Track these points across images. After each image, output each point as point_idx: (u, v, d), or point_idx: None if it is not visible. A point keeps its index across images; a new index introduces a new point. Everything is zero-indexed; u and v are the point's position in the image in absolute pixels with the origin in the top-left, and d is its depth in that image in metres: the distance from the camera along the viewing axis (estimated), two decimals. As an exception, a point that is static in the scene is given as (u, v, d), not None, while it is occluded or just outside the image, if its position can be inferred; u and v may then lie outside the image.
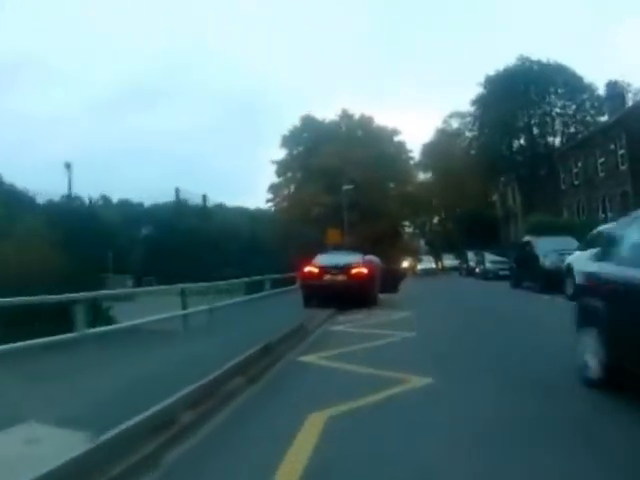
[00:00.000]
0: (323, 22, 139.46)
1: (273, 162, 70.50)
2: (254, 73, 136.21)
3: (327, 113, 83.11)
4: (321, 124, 69.99)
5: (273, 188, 70.73)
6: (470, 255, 49.04)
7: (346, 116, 70.52)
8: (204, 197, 22.68)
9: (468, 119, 70.32)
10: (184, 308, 15.26)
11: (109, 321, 13.29)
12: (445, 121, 75.47)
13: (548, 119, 62.48)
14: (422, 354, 10.53)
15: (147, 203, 50.37)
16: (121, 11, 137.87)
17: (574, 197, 48.52)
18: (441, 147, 72.54)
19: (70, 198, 24.14)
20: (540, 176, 59.04)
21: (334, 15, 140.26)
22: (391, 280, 23.88)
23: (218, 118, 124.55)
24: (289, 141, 70.43)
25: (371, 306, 20.37)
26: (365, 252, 23.87)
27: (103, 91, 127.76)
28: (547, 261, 23.10)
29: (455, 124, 74.13)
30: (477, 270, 42.43)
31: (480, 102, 63.82)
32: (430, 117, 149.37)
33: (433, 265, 72.46)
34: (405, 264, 61.21)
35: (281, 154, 71.19)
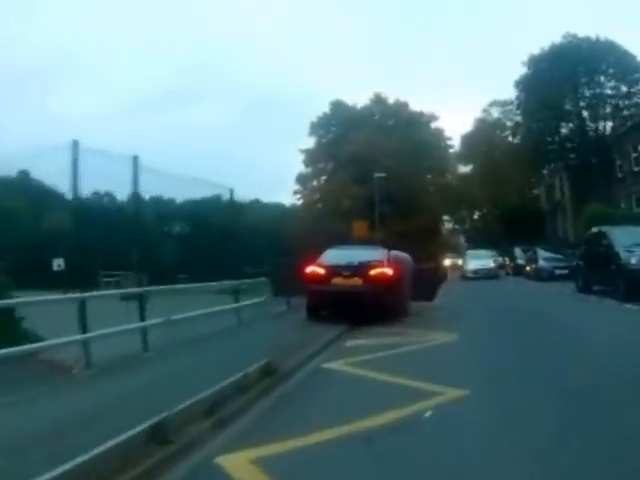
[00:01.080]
0: (354, 6, 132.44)
1: (301, 151, 65.60)
2: (284, 64, 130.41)
3: (359, 98, 77.44)
4: (352, 110, 64.97)
5: (301, 179, 65.70)
6: (517, 252, 43.30)
7: (379, 101, 65.34)
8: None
9: (509, 107, 65.65)
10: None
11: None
12: (485, 110, 71.59)
13: (598, 101, 56.22)
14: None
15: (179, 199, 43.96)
16: (152, 12, 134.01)
17: (634, 186, 42.39)
18: (481, 138, 68.96)
19: (99, 195, 23.96)
20: (591, 164, 53.10)
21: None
22: (426, 284, 18.23)
23: (251, 114, 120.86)
24: (318, 129, 65.43)
25: (399, 320, 15.15)
26: (394, 247, 18.70)
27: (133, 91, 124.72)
28: (633, 258, 17.45)
29: (495, 113, 70.63)
30: (528, 269, 36.76)
31: (524, 84, 57.73)
32: (468, 107, 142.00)
33: (491, 263, 44.32)
34: (447, 262, 48.84)
35: (310, 143, 66.42)
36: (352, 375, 8.76)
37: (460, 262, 49.76)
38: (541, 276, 32.16)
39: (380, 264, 15.42)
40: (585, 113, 57.05)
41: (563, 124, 58.40)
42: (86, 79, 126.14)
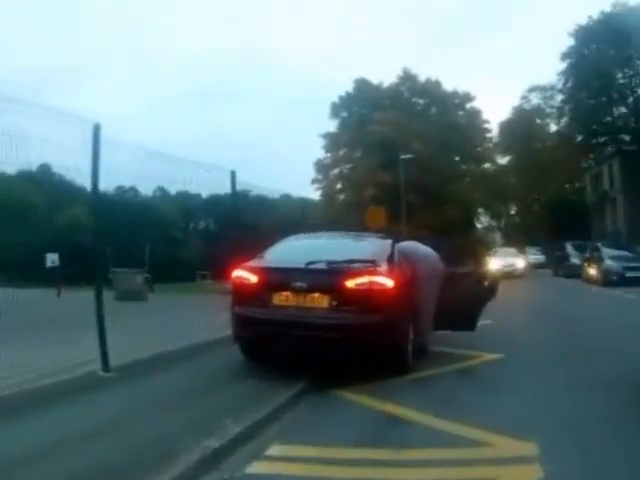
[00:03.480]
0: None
1: (321, 136, 58.70)
2: (310, 54, 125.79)
3: (386, 77, 70.32)
4: (378, 89, 58.02)
5: (321, 167, 58.66)
6: (569, 249, 36.27)
7: (408, 78, 58.08)
8: (232, 174, 15.76)
9: (550, 92, 59.38)
10: None
11: None
12: (524, 97, 64.53)
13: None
14: None
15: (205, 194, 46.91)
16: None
17: None
18: (520, 127, 62.45)
19: (123, 190, 25.27)
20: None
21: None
22: (465, 300, 10.04)
23: (284, 109, 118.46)
24: (339, 110, 58.56)
25: (402, 374, 8.32)
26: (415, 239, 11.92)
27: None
28: None
29: (535, 100, 63.71)
30: (591, 271, 29.10)
31: (570, 56, 50.78)
32: (505, 94, 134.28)
33: (517, 261, 38.96)
34: (496, 264, 29.59)
35: (331, 126, 59.37)
36: None
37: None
38: (608, 279, 25.16)
39: (370, 267, 8.17)
40: (640, 91, 50.05)
41: (615, 103, 51.68)
42: (124, 77, 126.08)
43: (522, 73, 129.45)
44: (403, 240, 10.70)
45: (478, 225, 66.67)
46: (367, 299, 7.84)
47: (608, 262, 26.13)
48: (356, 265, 8.15)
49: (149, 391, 7.28)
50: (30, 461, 4.77)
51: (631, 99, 50.22)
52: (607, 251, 27.33)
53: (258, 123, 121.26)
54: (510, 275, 33.11)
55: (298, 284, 8.00)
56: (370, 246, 9.32)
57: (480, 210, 64.57)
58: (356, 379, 7.92)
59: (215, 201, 39.28)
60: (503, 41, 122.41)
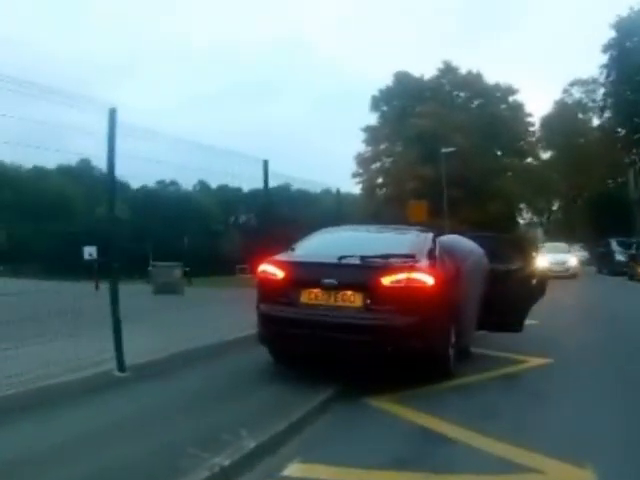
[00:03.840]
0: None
1: (362, 130, 57.95)
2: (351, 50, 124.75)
3: (426, 69, 69.08)
4: (418, 81, 57.02)
5: (361, 161, 57.88)
6: (614, 246, 34.94)
7: (449, 71, 56.99)
8: (265, 163, 15.25)
9: (592, 86, 58.05)
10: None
11: None
12: (565, 91, 63.50)
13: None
14: None
15: (246, 188, 46.77)
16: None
17: None
18: (562, 121, 60.99)
19: (164, 184, 25.81)
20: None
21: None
22: (512, 299, 9.41)
23: (325, 105, 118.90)
24: (380, 103, 57.81)
25: (443, 381, 7.65)
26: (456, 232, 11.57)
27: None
28: None
29: (577, 94, 62.75)
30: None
31: (612, 48, 49.16)
32: (546, 88, 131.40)
33: (569, 259, 33.53)
34: (544, 262, 17.61)
35: (372, 120, 58.66)
36: None
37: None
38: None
39: (409, 262, 7.33)
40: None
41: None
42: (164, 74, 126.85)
43: (565, 67, 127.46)
44: (445, 234, 9.98)
45: (520, 221, 65.42)
46: (405, 298, 7.03)
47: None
48: (393, 260, 7.33)
49: (162, 395, 6.72)
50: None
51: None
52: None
53: (299, 117, 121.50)
54: (561, 275, 28.46)
55: (328, 281, 7.22)
56: (409, 240, 8.43)
57: (522, 206, 63.36)
58: (391, 386, 7.25)
59: (255, 194, 37.84)
60: (545, 35, 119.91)
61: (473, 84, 56.65)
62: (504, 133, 53.95)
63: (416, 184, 47.68)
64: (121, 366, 7.42)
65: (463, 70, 57.09)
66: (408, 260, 7.37)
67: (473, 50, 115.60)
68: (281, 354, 8.19)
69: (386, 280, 7.10)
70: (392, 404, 6.66)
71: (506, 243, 11.21)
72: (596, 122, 59.53)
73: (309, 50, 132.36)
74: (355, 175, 57.61)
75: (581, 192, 64.37)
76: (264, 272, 7.78)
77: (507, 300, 9.22)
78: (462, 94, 58.17)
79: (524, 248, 10.80)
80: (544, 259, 25.07)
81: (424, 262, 7.50)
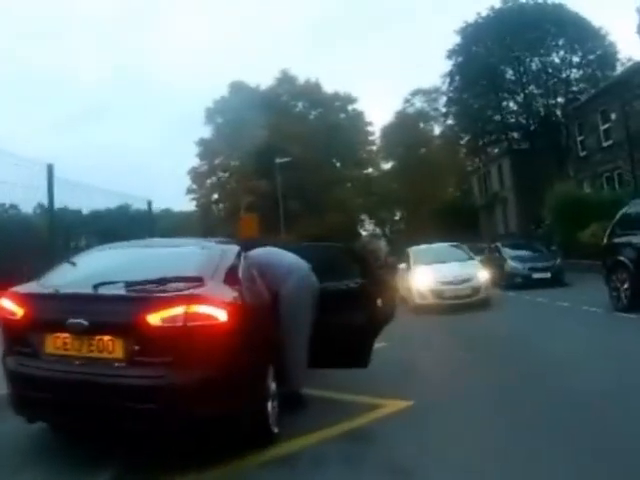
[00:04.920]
0: None
1: (196, 143, 55.20)
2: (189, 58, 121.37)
3: (264, 79, 67.48)
4: (254, 91, 54.77)
5: (195, 174, 54.89)
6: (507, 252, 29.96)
7: (286, 80, 55.40)
8: (149, 203, 15.58)
9: (434, 95, 58.07)
10: None
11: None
12: (407, 100, 62.74)
13: (547, 74, 47.96)
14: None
15: (85, 210, 39.49)
16: None
17: (603, 164, 33.62)
18: (403, 131, 59.63)
19: (3, 208, 21.27)
20: (539, 145, 45.45)
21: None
22: (351, 327, 6.84)
23: (161, 123, 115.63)
24: (215, 115, 55.14)
25: (263, 447, 5.24)
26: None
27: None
28: None
29: (418, 103, 62.04)
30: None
31: (458, 53, 49.34)
32: (387, 100, 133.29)
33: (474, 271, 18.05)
34: (426, 278, 17.67)
35: (206, 132, 56.02)
36: None
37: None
38: (513, 282, 22.36)
39: (190, 290, 4.84)
40: (531, 87, 48.99)
41: (505, 100, 50.68)
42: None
43: (407, 78, 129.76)
44: (258, 246, 7.27)
45: (363, 232, 64.71)
46: (185, 343, 4.65)
47: (512, 263, 23.35)
48: (167, 287, 4.85)
49: None
50: None
51: (522, 95, 48.70)
52: (508, 251, 24.57)
53: (135, 139, 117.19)
54: (462, 302, 16.83)
55: (74, 321, 4.70)
56: (199, 257, 5.83)
57: (363, 217, 62.76)
58: (194, 461, 4.89)
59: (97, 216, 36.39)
60: (387, 45, 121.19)
61: (311, 93, 55.53)
62: (343, 143, 53.10)
63: (252, 198, 45.27)
64: None
65: (301, 79, 55.89)
66: (190, 286, 4.90)
67: (313, 62, 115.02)
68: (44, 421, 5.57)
69: (154, 318, 4.65)
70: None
71: (340, 255, 8.35)
72: (438, 130, 60.13)
73: (143, 74, 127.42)
74: (190, 191, 54.70)
75: (424, 201, 64.50)
76: (2, 310, 5.25)
77: (345, 328, 6.82)
78: (300, 104, 56.86)
79: (364, 260, 8.05)
80: (426, 274, 17.62)
81: (214, 289, 5.10)
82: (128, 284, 4.87)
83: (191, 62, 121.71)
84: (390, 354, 8.90)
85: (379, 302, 7.11)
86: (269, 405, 5.45)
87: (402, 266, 20.04)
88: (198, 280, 4.94)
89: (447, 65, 50.11)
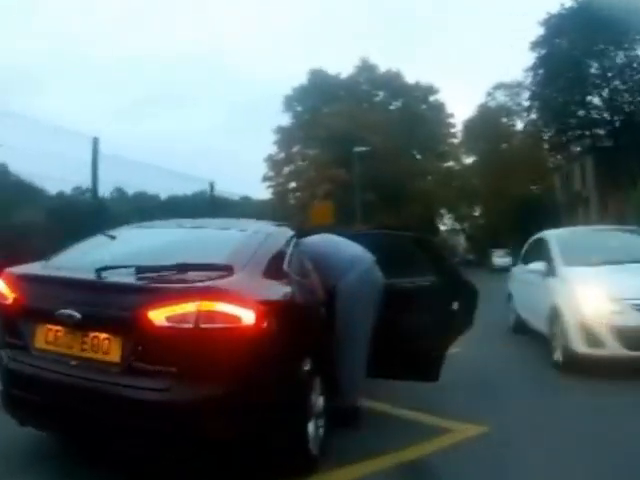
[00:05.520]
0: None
1: (274, 131, 54.35)
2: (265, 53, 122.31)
3: (344, 67, 66.89)
4: (334, 80, 54.06)
5: (272, 162, 54.24)
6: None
7: (367, 69, 54.53)
8: (211, 185, 15.57)
9: (516, 89, 56.43)
10: None
11: None
12: (489, 94, 62.05)
13: (630, 70, 45.67)
14: None
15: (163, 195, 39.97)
16: None
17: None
18: (485, 124, 58.97)
19: (80, 190, 21.41)
20: (625, 143, 43.06)
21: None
22: (419, 334, 5.70)
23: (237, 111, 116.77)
24: (293, 103, 54.50)
25: (302, 475, 4.08)
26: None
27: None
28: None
29: (501, 97, 61.33)
30: None
31: (541, 46, 47.36)
32: (469, 94, 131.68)
33: None
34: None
35: (284, 120, 55.24)
36: None
37: None
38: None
39: (210, 281, 3.77)
40: (616, 82, 46.73)
41: (589, 95, 48.35)
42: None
43: (489, 71, 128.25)
44: (317, 233, 6.22)
45: (441, 227, 63.25)
46: (197, 349, 3.64)
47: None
48: (184, 276, 3.85)
49: None
50: None
51: (606, 90, 46.62)
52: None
53: (212, 126, 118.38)
54: None
55: (65, 312, 3.80)
56: (237, 240, 4.75)
57: (443, 211, 61.32)
58: None
59: (173, 202, 34.97)
60: (468, 39, 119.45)
61: (392, 83, 54.40)
62: (424, 134, 51.87)
63: (329, 187, 44.47)
64: None
65: (382, 68, 54.79)
66: (214, 276, 3.86)
67: (393, 53, 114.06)
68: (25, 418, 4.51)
69: (158, 315, 3.62)
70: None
71: (412, 246, 6.90)
72: (520, 125, 58.18)
73: (222, 58, 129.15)
74: (266, 178, 53.89)
75: (505, 197, 62.87)
76: None
77: (413, 334, 5.69)
78: (381, 93, 55.81)
79: (440, 254, 6.81)
80: (598, 288, 7.67)
81: (244, 281, 4.01)
82: (137, 270, 3.93)
83: (269, 48, 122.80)
84: (464, 363, 7.70)
85: (455, 305, 5.97)
86: (311, 425, 4.37)
87: (520, 268, 11.70)
88: (226, 269, 3.94)
89: (530, 58, 48.34)
